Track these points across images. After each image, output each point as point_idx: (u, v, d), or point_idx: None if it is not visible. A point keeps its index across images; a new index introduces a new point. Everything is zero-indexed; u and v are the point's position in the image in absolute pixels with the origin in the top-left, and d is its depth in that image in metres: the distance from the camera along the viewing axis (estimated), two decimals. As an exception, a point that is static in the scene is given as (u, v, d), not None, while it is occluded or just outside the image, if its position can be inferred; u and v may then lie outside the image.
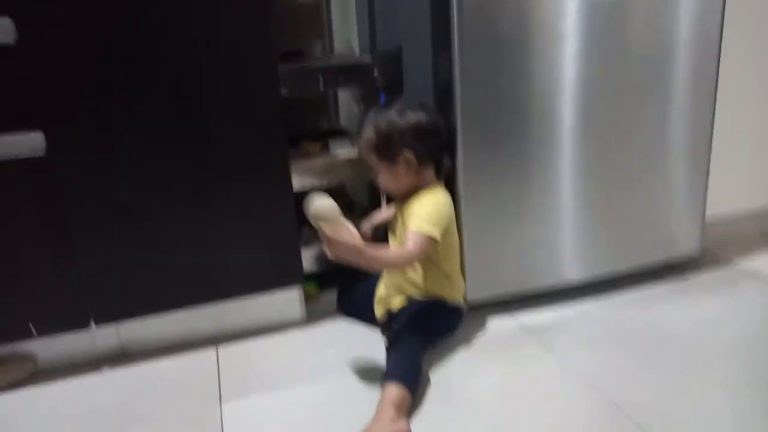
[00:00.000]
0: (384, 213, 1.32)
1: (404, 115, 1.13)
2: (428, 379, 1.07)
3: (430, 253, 1.10)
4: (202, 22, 1.06)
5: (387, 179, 1.16)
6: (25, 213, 1.05)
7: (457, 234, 1.18)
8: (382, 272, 1.24)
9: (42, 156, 1.03)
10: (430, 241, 1.07)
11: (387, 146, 1.13)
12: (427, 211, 1.10)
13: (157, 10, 1.04)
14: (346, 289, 1.32)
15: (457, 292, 1.19)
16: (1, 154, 1.01)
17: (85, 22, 1.01)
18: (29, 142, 1.02)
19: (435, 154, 1.15)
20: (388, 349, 1.08)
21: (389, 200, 1.24)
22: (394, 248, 1.15)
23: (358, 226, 1.24)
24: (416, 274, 1.16)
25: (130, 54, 1.04)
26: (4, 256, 1.05)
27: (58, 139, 1.03)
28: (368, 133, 1.14)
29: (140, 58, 1.05)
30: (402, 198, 1.17)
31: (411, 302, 1.16)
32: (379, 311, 1.21)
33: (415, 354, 1.06)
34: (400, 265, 1.11)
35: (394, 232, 1.20)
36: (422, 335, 1.10)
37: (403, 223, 1.14)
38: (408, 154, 1.12)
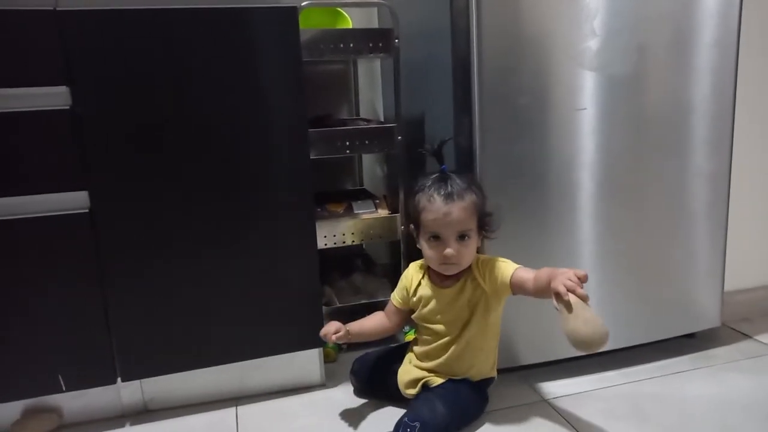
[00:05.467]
0: (368, 321, 1.23)
1: (485, 194, 1.12)
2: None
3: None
4: (243, 88, 1.12)
5: (465, 251, 1.08)
6: (63, 268, 1.09)
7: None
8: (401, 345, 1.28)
9: (85, 213, 1.08)
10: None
11: (485, 218, 1.11)
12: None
13: (204, 79, 1.10)
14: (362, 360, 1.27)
15: (486, 368, 1.17)
16: (46, 210, 1.07)
17: (136, 89, 1.07)
18: (74, 201, 1.08)
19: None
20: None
21: (410, 260, 1.25)
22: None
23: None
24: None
25: (177, 117, 1.10)
26: (40, 309, 1.10)
27: (102, 198, 1.09)
28: (473, 197, 1.08)
29: (185, 122, 1.11)
30: (449, 277, 1.12)
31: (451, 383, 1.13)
32: (409, 384, 1.15)
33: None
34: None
35: (430, 320, 1.14)
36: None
37: (452, 304, 1.11)
38: (493, 233, 1.12)
